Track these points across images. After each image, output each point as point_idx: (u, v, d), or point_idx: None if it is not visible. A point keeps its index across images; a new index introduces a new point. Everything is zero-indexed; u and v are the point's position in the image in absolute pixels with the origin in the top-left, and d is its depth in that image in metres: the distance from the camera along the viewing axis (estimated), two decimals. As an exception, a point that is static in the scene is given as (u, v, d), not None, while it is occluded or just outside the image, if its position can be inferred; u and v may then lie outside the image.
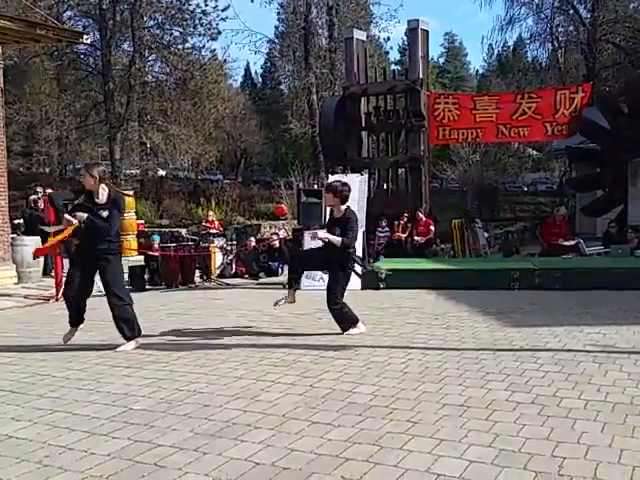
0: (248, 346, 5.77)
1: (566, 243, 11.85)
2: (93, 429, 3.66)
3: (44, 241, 10.75)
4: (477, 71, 59.30)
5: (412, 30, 14.54)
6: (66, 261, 10.41)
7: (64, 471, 3.09)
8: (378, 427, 3.59)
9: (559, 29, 26.79)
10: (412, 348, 5.49)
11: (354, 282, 9.70)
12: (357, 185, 10.81)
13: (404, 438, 3.42)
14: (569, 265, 9.89)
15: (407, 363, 4.99)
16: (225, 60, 31.39)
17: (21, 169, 25.53)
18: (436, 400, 4.06)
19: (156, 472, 3.07)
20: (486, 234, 13.31)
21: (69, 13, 27.43)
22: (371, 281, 9.73)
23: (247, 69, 54.62)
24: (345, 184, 6.54)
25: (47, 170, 27.67)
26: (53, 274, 10.36)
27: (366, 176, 11.20)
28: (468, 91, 46.58)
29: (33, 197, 12.66)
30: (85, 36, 12.08)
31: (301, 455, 3.23)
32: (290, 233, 15.12)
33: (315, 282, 9.89)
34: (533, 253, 12.32)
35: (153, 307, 8.41)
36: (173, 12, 26.59)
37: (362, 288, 9.60)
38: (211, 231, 14.08)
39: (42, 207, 11.29)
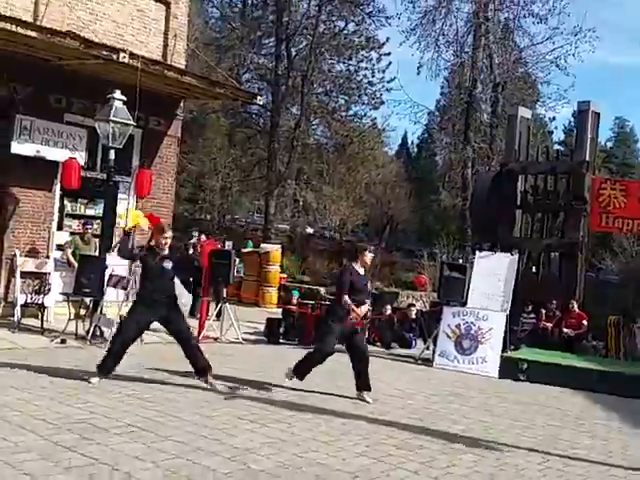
0: (372, 421, 5.56)
1: None
2: (210, 482, 3.65)
3: (195, 285, 11.37)
4: (647, 159, 55.60)
5: (582, 112, 14.00)
6: (212, 305, 10.93)
7: (176, 523, 3.07)
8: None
9: None
10: (552, 455, 4.96)
11: (491, 369, 9.23)
12: (506, 265, 10.34)
13: None
14: None
15: (545, 472, 4.50)
16: (384, 129, 32.16)
17: (186, 214, 27.53)
18: (577, 521, 3.58)
19: None
20: (646, 335, 12.01)
21: (247, 76, 29.82)
22: (509, 370, 9.11)
23: (404, 138, 55.43)
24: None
25: (209, 217, 29.65)
26: (197, 315, 10.84)
27: (516, 257, 10.68)
28: (636, 178, 43.64)
29: (193, 241, 13.49)
30: (259, 97, 12.95)
31: None
32: (428, 305, 14.74)
33: (449, 361, 9.47)
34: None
35: (284, 363, 8.43)
36: (341, 81, 27.91)
37: (500, 377, 9.04)
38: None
39: (199, 250, 11.98)
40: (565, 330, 11.61)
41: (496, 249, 11.09)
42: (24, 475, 3.49)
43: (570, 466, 4.68)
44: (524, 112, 15.30)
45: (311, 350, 6.69)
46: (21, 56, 9.45)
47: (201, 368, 6.20)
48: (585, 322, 11.62)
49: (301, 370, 6.53)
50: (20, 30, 8.62)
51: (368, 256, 6.61)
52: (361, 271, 6.60)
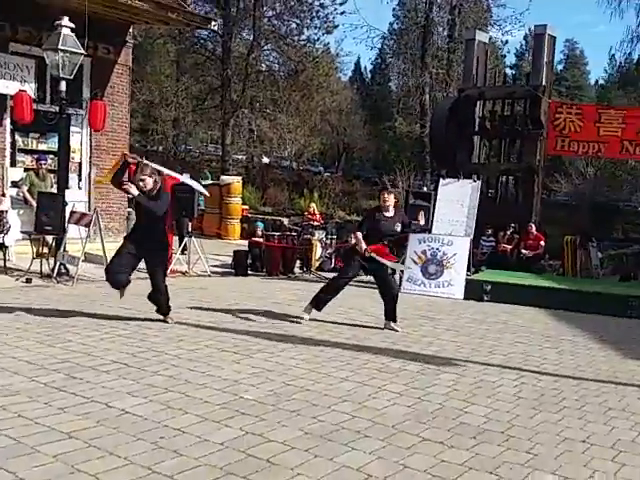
0: (351, 347, 5.70)
1: (691, 275, 10.98)
2: (206, 414, 3.71)
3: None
4: (596, 82, 56.41)
5: (538, 35, 13.92)
6: (175, 238, 10.80)
7: (179, 455, 3.13)
8: (494, 454, 3.41)
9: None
10: (524, 370, 5.23)
11: (457, 292, 9.53)
12: (468, 192, 10.52)
13: (524, 471, 3.22)
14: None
15: (520, 387, 4.74)
16: (338, 54, 31.48)
17: (137, 145, 26.74)
18: (555, 432, 3.82)
19: (268, 469, 3.05)
20: (600, 254, 12.53)
21: (192, -4, 28.51)
22: (474, 292, 9.43)
23: (357, 64, 54.48)
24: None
25: (161, 148, 28.86)
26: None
27: (479, 183, 10.83)
28: (585, 101, 44.25)
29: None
30: (213, 22, 12.39)
31: (415, 474, 3.11)
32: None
33: (417, 286, 9.71)
34: (652, 281, 11.48)
35: (257, 294, 8.53)
36: (292, 3, 26.94)
37: (465, 298, 9.35)
38: (313, 223, 14.13)
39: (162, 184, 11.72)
40: (523, 251, 12.01)
41: (459, 176, 11.18)
42: (19, 417, 3.47)
43: (543, 381, 4.94)
44: (481, 36, 15.13)
45: (328, 281, 6.81)
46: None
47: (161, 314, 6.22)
48: (542, 243, 12.03)
49: (320, 300, 6.67)
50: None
51: (385, 197, 6.58)
52: (387, 213, 6.58)
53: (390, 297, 6.69)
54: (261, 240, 11.29)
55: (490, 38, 19.23)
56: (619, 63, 42.55)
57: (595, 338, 6.85)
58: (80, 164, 11.35)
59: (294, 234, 12.12)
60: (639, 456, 3.53)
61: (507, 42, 30.79)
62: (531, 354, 5.89)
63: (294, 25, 27.31)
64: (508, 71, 36.23)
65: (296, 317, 6.70)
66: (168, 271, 9.72)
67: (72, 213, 9.08)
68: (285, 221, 16.12)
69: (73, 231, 9.09)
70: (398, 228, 6.65)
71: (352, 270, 6.68)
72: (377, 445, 3.42)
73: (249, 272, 10.78)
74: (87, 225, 8.97)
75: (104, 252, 8.48)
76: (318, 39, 27.90)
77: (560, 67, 53.05)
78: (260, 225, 12.51)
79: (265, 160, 30.22)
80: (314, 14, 27.06)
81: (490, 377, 4.96)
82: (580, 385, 4.89)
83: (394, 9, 32.86)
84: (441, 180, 10.88)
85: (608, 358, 5.95)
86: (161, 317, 6.20)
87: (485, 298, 9.23)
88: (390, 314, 6.69)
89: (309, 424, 3.66)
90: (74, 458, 3.02)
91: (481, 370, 5.16)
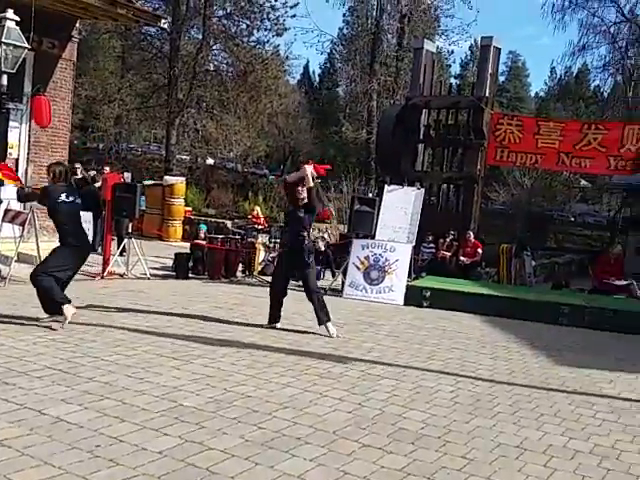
0: (292, 352, 5.71)
1: (618, 283, 11.48)
2: (144, 422, 3.64)
3: (95, 218, 10.88)
4: (537, 94, 58.47)
5: (484, 47, 14.32)
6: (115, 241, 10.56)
7: (115, 464, 3.06)
8: (432, 460, 3.48)
9: (631, 62, 26.09)
10: (461, 376, 5.36)
11: (397, 298, 9.67)
12: (412, 199, 10.70)
13: (460, 476, 3.30)
14: (622, 306, 9.56)
15: (457, 392, 4.86)
16: (287, 57, 31.49)
17: (76, 141, 26.00)
18: (490, 438, 3.93)
19: (208, 478, 3.02)
20: (533, 262, 12.98)
21: (141, -7, 27.95)
22: (413, 298, 9.60)
23: (306, 67, 54.81)
24: None
25: (101, 146, 28.18)
26: (100, 251, 10.46)
27: (422, 191, 11.04)
28: (525, 112, 45.79)
29: (93, 173, 12.84)
30: (163, 20, 12.20)
31: (354, 480, 3.15)
32: (335, 238, 15.05)
33: (358, 291, 9.80)
34: (583, 289, 11.95)
35: (197, 298, 8.43)
36: (242, 4, 26.79)
37: (405, 304, 9.50)
38: (256, 226, 14.08)
39: (100, 184, 11.39)
40: (462, 258, 12.31)
41: (403, 183, 11.37)
42: (-55, 425, 3.32)
43: (478, 387, 5.08)
44: (429, 45, 15.45)
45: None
46: None
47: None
48: (480, 250, 12.36)
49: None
50: None
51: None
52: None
53: (309, 298, 6.62)
54: (204, 243, 11.17)
55: (437, 47, 19.68)
56: (559, 76, 44.29)
57: (528, 345, 7.08)
58: (17, 160, 10.94)
59: (237, 237, 12.06)
60: (570, 461, 3.67)
61: (453, 52, 31.64)
62: (467, 360, 6.04)
63: (244, 26, 27.17)
64: (453, 81, 37.20)
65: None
66: (105, 273, 9.56)
67: (7, 211, 8.77)
68: (229, 224, 15.99)
69: (7, 230, 8.77)
70: None
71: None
72: (318, 452, 3.44)
73: (190, 275, 10.64)
74: (22, 224, 8.67)
75: (38, 252, 8.19)
76: (268, 41, 27.85)
77: (502, 78, 54.77)
78: (203, 227, 12.38)
79: (210, 161, 29.92)
80: (265, 16, 26.97)
81: (428, 382, 5.06)
82: (513, 391, 5.04)
83: (344, 14, 33.22)
84: (386, 187, 11.03)
85: (540, 364, 6.16)
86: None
87: (424, 304, 9.40)
88: (319, 318, 6.61)
89: (250, 431, 3.65)
90: (7, 467, 2.91)
91: (420, 375, 5.26)
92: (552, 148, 13.41)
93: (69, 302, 5.73)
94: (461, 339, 7.13)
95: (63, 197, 5.83)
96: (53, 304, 5.72)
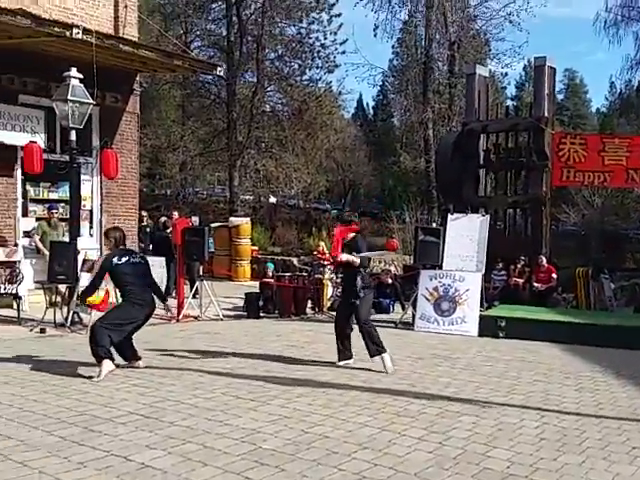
0: (367, 390, 5.65)
1: None
2: (226, 465, 3.67)
3: (168, 263, 11.23)
4: (598, 110, 56.93)
5: (538, 67, 14.12)
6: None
7: (202, 510, 3.09)
8: (521, 500, 3.35)
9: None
10: (545, 410, 5.15)
11: (470, 329, 9.44)
12: (477, 226, 10.52)
13: (553, 517, 3.16)
14: None
15: (542, 428, 4.67)
16: (340, 92, 31.96)
17: (145, 189, 27.03)
18: (580, 475, 3.75)
19: (293, 523, 3.00)
20: (612, 285, 12.43)
21: (197, 43, 29.05)
22: (488, 328, 9.35)
23: (360, 101, 55.41)
24: None
25: (169, 192, 29.20)
26: (174, 295, 10.76)
27: (487, 217, 10.85)
28: (588, 129, 44.61)
29: (164, 219, 13.27)
30: (219, 68, 12.65)
31: (442, 524, 3.05)
32: (400, 270, 14.92)
33: (430, 324, 9.65)
34: (669, 313, 11.34)
35: (269, 337, 8.50)
36: (293, 45, 27.51)
37: (479, 335, 9.28)
38: (323, 262, 14.13)
39: (170, 229, 11.78)
40: (536, 284, 11.93)
41: (467, 210, 11.22)
42: (40, 473, 3.45)
43: (565, 421, 4.86)
44: (481, 70, 15.37)
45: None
46: (-32, 37, 9.04)
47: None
48: (554, 275, 11.96)
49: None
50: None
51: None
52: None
53: (359, 329, 6.46)
54: (272, 281, 11.30)
55: (490, 71, 19.53)
56: (620, 90, 43.05)
57: (614, 373, 6.76)
58: (91, 211, 11.48)
59: (304, 274, 12.14)
60: (668, 497, 3.46)
61: (507, 74, 31.11)
62: (551, 392, 5.81)
63: (296, 66, 27.81)
64: (509, 103, 36.73)
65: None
66: (181, 316, 9.80)
67: (84, 261, 9.15)
68: (295, 261, 16.14)
69: (85, 279, 9.12)
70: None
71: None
72: (401, 494, 3.37)
73: (261, 314, 10.76)
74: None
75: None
76: (320, 78, 28.36)
77: (561, 96, 53.66)
78: (270, 266, 12.55)
79: (272, 200, 30.42)
80: (315, 54, 27.57)
81: (511, 418, 4.89)
82: (602, 424, 4.81)
83: (393, 46, 33.45)
84: (449, 215, 10.91)
85: (628, 394, 5.86)
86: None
87: (500, 334, 9.13)
88: (369, 350, 6.46)
89: (330, 474, 3.62)
90: (96, 517, 2.99)
91: (501, 411, 5.09)
92: (620, 165, 12.98)
93: (112, 359, 5.80)
94: (542, 370, 6.88)
95: (115, 260, 6.04)
96: (97, 355, 5.81)
